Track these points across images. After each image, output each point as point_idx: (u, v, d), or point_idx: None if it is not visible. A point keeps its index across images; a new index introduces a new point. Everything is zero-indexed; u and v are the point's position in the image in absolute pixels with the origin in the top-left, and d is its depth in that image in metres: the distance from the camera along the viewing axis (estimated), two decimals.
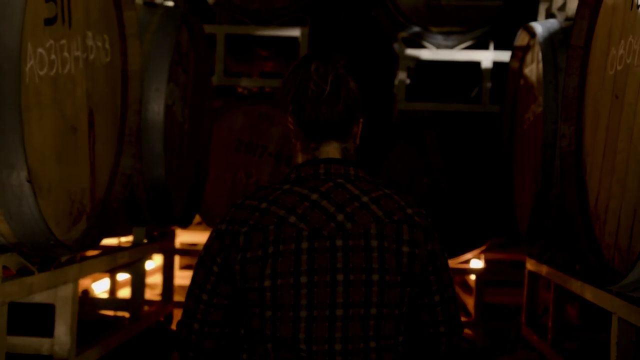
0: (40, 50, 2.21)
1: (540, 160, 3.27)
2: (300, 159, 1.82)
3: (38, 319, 2.96)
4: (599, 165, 2.59)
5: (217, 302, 1.73)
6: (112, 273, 4.35)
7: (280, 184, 1.78)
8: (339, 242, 1.69)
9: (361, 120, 1.82)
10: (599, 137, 2.61)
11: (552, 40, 3.41)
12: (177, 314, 6.37)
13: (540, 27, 3.55)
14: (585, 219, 2.67)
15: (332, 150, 1.79)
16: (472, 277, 5.20)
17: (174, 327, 5.84)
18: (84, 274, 2.84)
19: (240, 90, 5.49)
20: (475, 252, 5.09)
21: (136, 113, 3.02)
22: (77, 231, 2.60)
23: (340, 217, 1.71)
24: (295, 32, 5.17)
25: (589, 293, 2.76)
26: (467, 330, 5.12)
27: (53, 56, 2.30)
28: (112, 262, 3.15)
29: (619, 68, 2.45)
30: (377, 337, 1.70)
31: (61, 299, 2.66)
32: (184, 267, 7.28)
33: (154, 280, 6.62)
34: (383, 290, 1.69)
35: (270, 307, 1.68)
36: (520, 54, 4.07)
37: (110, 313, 4.00)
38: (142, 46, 3.39)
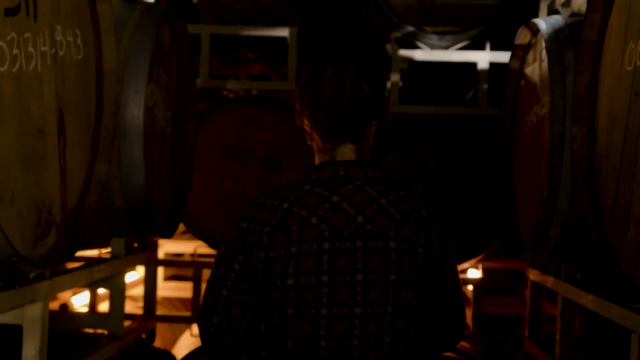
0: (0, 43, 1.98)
1: (547, 165, 3.05)
2: (317, 159, 1.91)
3: (5, 340, 2.71)
4: (615, 169, 2.38)
5: (236, 297, 1.82)
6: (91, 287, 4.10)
7: (299, 184, 1.86)
8: (359, 243, 1.78)
9: (374, 122, 1.92)
10: (615, 139, 2.40)
11: (558, 37, 3.20)
12: (162, 329, 6.12)
13: (544, 23, 3.35)
14: (601, 229, 2.45)
15: (348, 151, 1.88)
16: (470, 287, 4.98)
17: (158, 344, 5.60)
18: (55, 291, 2.60)
19: (226, 93, 5.25)
20: (473, 261, 4.87)
21: (112, 115, 2.78)
22: (45, 245, 2.36)
23: (360, 218, 1.80)
24: (284, 32, 4.95)
25: (606, 309, 2.54)
26: (464, 344, 4.90)
27: (15, 51, 2.07)
28: (87, 277, 2.91)
29: (638, 63, 2.25)
30: (391, 333, 1.79)
31: (29, 319, 2.41)
32: (169, 278, 7.03)
33: (139, 292, 6.36)
34: (399, 290, 1.78)
35: (292, 304, 1.77)
36: (521, 53, 3.87)
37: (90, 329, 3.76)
38: (120, 43, 3.16)
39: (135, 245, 3.73)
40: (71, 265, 3.28)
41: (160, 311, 6.36)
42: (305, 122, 1.90)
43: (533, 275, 3.72)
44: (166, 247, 6.44)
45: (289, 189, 1.85)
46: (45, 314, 2.48)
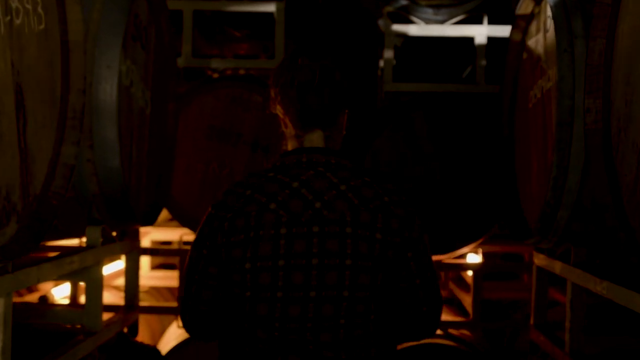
0: None
1: (556, 142, 2.82)
2: (288, 146, 1.95)
3: None
4: (636, 144, 2.15)
5: (206, 282, 1.90)
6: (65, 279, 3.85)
7: (266, 171, 1.92)
8: (316, 229, 1.82)
9: (347, 111, 1.96)
10: (636, 110, 2.17)
11: (565, 3, 2.96)
12: (149, 320, 5.88)
13: None
14: (620, 209, 2.23)
15: (316, 138, 1.92)
16: (469, 273, 4.76)
17: (141, 338, 5.36)
18: (19, 286, 2.35)
19: (210, 73, 4.99)
20: (472, 245, 4.65)
21: (80, 92, 2.53)
22: (3, 236, 2.11)
23: (317, 204, 1.84)
24: (270, 7, 4.69)
25: (624, 297, 2.31)
26: (464, 332, 4.68)
27: None
28: (57, 269, 2.67)
29: None
30: (348, 316, 1.82)
31: None
32: (157, 267, 6.79)
33: (122, 282, 6.12)
34: (355, 274, 1.81)
35: (250, 287, 1.83)
36: (523, 23, 3.62)
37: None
38: (90, 16, 2.90)
39: (114, 234, 3.49)
40: (52, 254, 3.05)
41: (147, 301, 6.13)
42: (279, 108, 1.95)
43: (538, 260, 3.50)
44: (153, 235, 6.20)
45: (256, 176, 1.91)
46: (8, 311, 2.23)
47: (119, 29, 2.94)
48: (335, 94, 1.89)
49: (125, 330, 3.67)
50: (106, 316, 3.55)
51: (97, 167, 2.95)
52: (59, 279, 3.41)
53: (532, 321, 3.63)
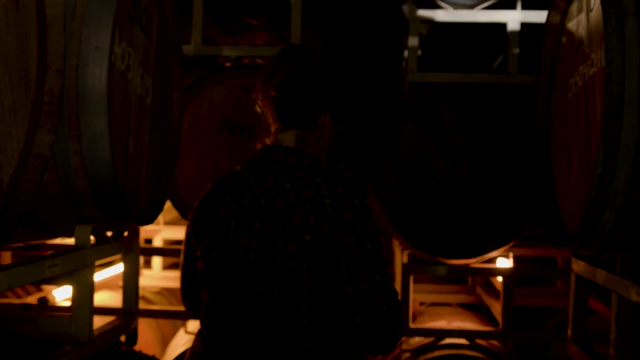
0: None
1: (602, 134, 2.46)
2: (268, 143, 2.00)
3: None
4: None
5: (190, 267, 2.08)
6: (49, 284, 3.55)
7: (242, 165, 2.01)
8: (257, 225, 1.87)
9: (330, 113, 1.97)
10: None
11: None
12: (161, 324, 5.59)
13: None
14: None
15: (287, 137, 1.95)
16: (499, 278, 4.41)
17: (151, 342, 5.06)
18: None
19: (222, 62, 4.69)
20: (502, 249, 4.29)
21: (59, 74, 2.23)
22: None
23: (262, 201, 1.89)
24: None
25: None
26: (494, 342, 4.33)
27: None
28: (35, 273, 2.38)
29: None
30: (278, 315, 1.84)
31: None
32: (169, 267, 6.52)
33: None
34: (284, 274, 1.83)
35: (203, 274, 1.95)
36: (562, 4, 3.26)
37: None
38: None
39: (110, 233, 3.20)
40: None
41: (159, 303, 5.85)
42: (262, 105, 1.99)
43: (578, 267, 3.14)
44: (164, 234, 5.93)
45: (234, 170, 2.01)
46: None
47: (110, 6, 2.63)
48: (314, 94, 1.91)
49: (124, 338, 3.38)
50: (104, 321, 3.27)
51: (85, 159, 2.65)
52: (42, 283, 3.13)
53: (569, 333, 3.27)
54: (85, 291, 2.82)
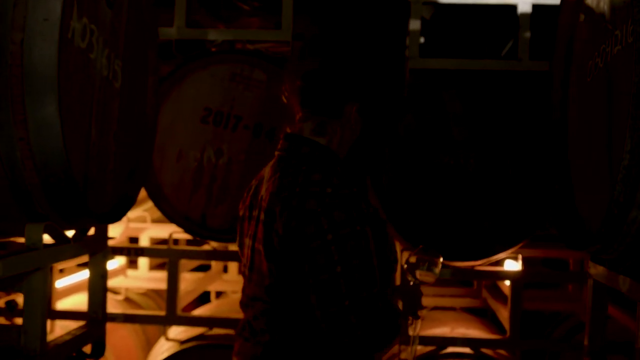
0: None
1: (631, 119, 2.11)
2: None
3: None
4: None
5: None
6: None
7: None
8: (255, 213, 2.01)
9: (356, 104, 1.99)
10: None
11: None
12: (140, 327, 5.24)
13: None
14: None
15: (307, 125, 2.01)
16: (507, 282, 4.05)
17: (133, 346, 4.69)
18: None
19: (208, 46, 4.34)
20: (511, 250, 3.93)
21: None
22: None
23: (262, 189, 2.03)
24: None
25: None
26: (501, 352, 3.97)
27: None
28: None
29: None
30: (255, 299, 1.98)
31: None
32: (155, 267, 6.19)
33: (119, 282, 5.53)
34: (258, 259, 1.96)
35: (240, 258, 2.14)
36: None
37: None
38: None
39: (73, 232, 2.87)
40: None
41: (145, 305, 5.51)
42: (287, 95, 2.04)
43: (596, 271, 2.79)
44: (150, 232, 5.60)
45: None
46: None
47: None
48: (338, 82, 1.93)
49: (89, 349, 3.05)
50: (71, 327, 2.95)
51: (34, 148, 2.32)
52: None
53: (585, 343, 2.92)
54: (36, 298, 2.49)
